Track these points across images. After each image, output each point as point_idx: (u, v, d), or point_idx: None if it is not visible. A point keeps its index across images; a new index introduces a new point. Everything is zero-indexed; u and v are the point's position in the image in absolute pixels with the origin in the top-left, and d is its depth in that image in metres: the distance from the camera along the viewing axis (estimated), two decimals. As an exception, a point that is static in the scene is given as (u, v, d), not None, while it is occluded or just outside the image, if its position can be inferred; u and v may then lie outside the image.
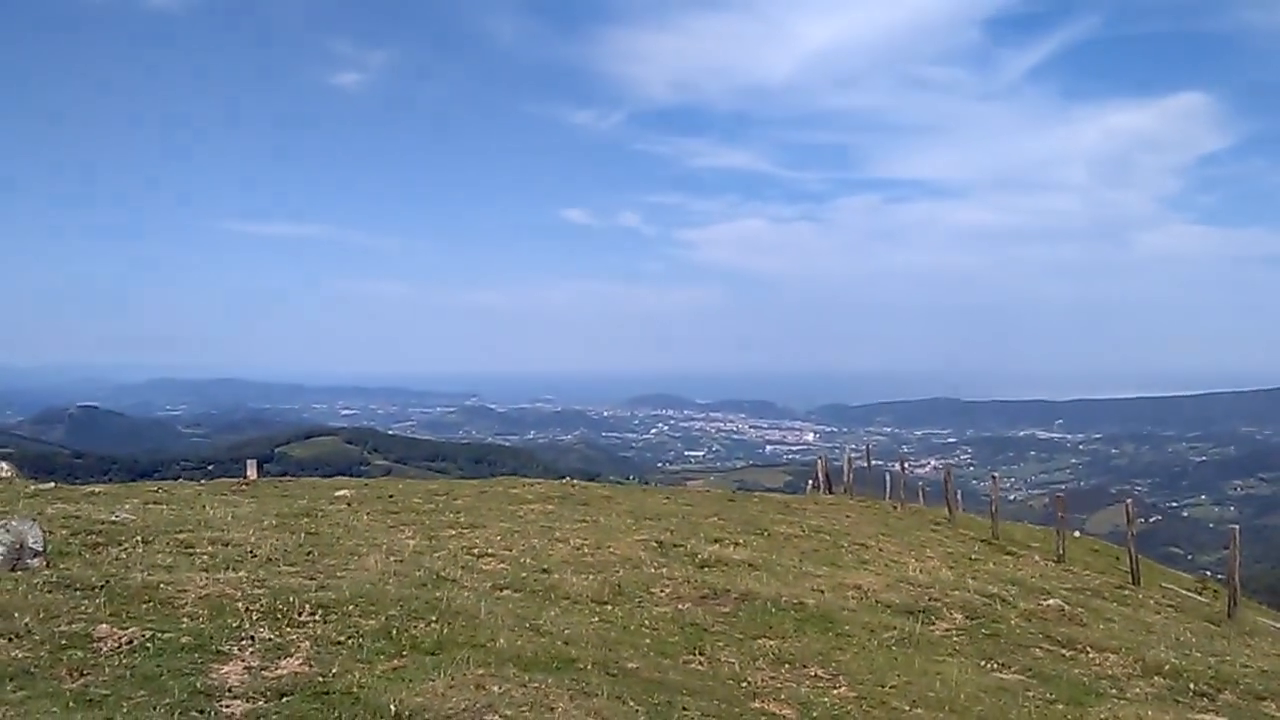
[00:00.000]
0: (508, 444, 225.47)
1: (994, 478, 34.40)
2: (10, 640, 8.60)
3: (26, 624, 8.98)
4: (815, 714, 9.46)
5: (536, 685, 8.45)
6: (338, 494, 21.33)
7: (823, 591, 14.36)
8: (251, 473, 27.02)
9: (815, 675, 10.70)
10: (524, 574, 13.68)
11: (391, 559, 13.44)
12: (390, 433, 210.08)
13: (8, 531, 11.11)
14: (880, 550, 20.06)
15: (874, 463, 36.20)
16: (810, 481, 35.23)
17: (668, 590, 13.71)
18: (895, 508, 30.52)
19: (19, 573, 10.72)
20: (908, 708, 9.94)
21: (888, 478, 34.15)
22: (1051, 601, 16.08)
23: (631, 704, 8.56)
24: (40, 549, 11.28)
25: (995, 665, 12.11)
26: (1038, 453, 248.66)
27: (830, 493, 33.02)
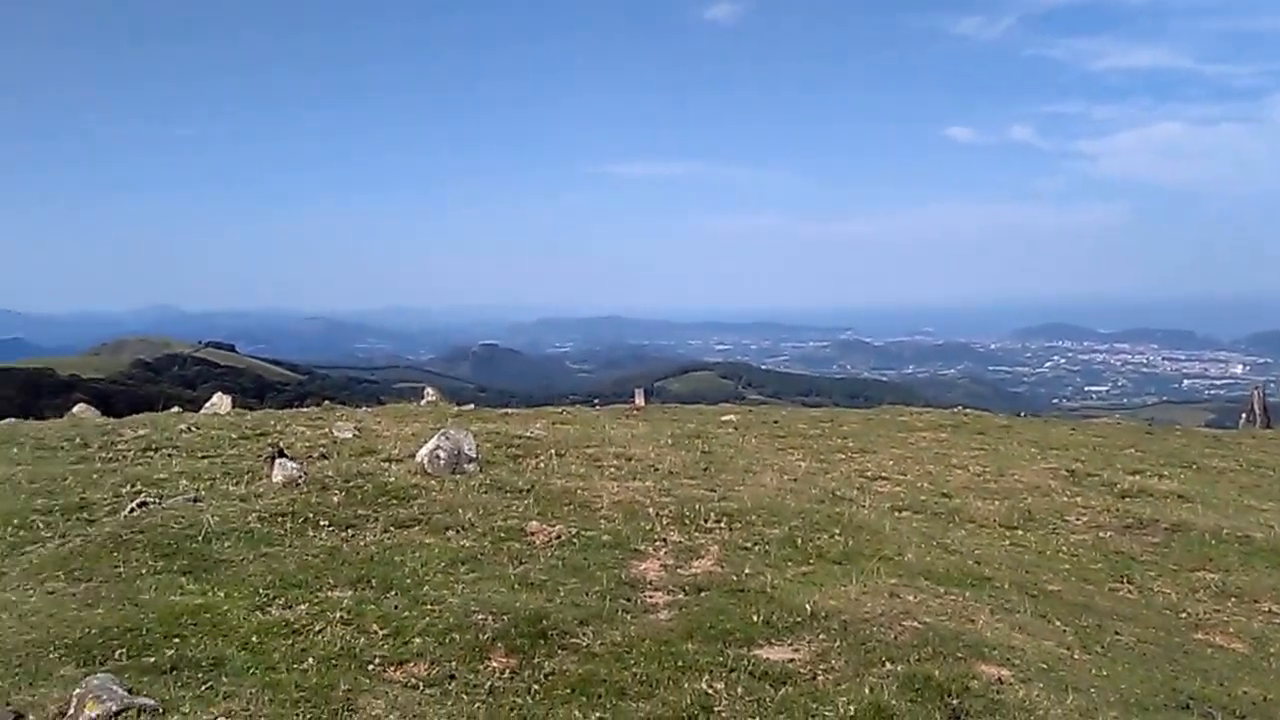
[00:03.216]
0: (885, 379, 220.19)
1: None
2: (459, 532, 9.59)
3: (470, 519, 9.97)
4: (1273, 650, 8.36)
5: (953, 598, 8.17)
6: (724, 419, 21.86)
7: (1272, 526, 12.67)
8: (639, 400, 28.44)
9: (1269, 611, 9.47)
10: (922, 497, 13.29)
11: (786, 477, 13.54)
12: (764, 367, 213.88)
13: (448, 439, 12.38)
14: (1346, 487, 17.38)
15: (1326, 397, 31.21)
16: (1243, 415, 31.12)
17: (1084, 518, 12.75)
18: (1364, 444, 26.28)
19: (458, 476, 11.92)
20: None
21: (1346, 412, 29.36)
22: None
23: (1057, 623, 8.05)
24: (474, 456, 12.47)
25: None
26: None
27: (1269, 428, 29.04)
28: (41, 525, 9.96)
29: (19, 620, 6.99)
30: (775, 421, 21.87)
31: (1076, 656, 7.36)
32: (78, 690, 5.71)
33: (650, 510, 10.45)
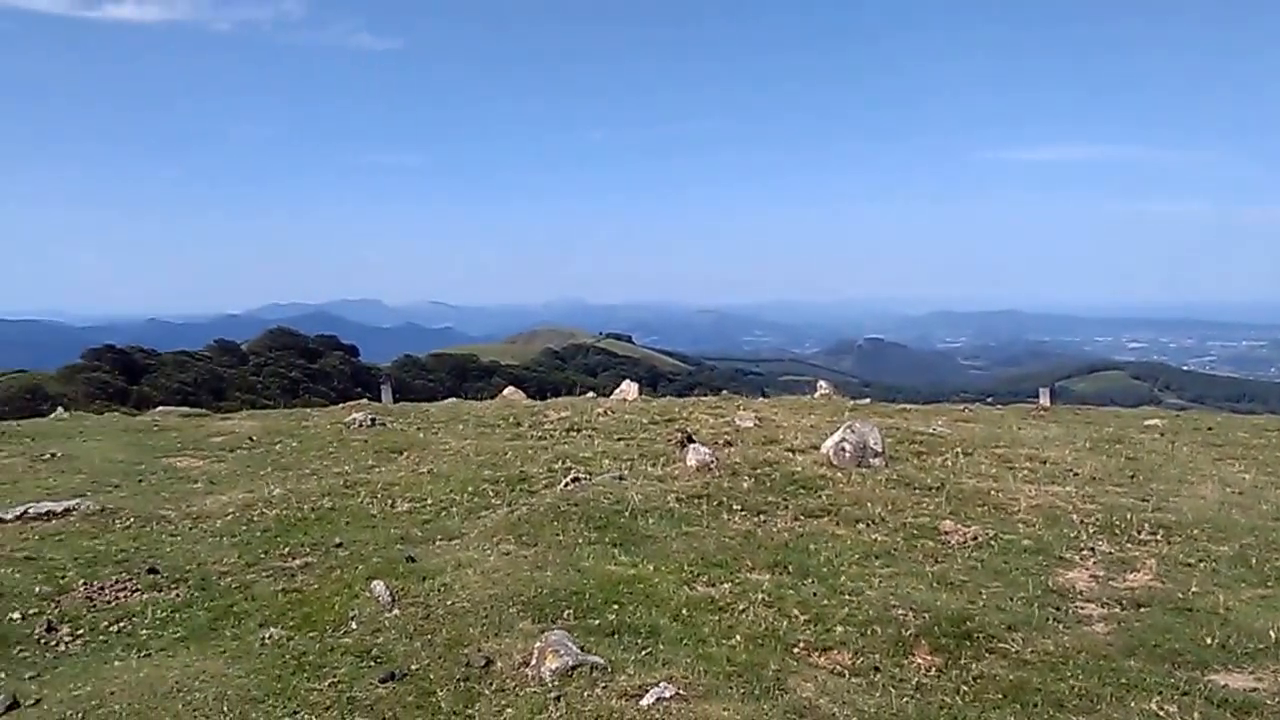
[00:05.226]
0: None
1: None
2: (869, 525, 9.57)
3: (879, 513, 9.92)
4: None
5: None
6: (1147, 423, 20.01)
7: None
8: (1045, 400, 26.82)
9: None
10: None
11: (1228, 490, 12.14)
12: (1185, 368, 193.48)
13: (853, 432, 12.37)
14: None
15: None
16: None
17: None
18: None
19: (864, 469, 11.89)
20: None
21: None
22: None
23: None
24: (880, 450, 12.37)
25: None
26: None
27: None
28: (491, 493, 11.21)
29: (483, 576, 7.88)
30: (1209, 428, 19.68)
31: None
32: (538, 643, 6.35)
33: (1074, 517, 9.84)
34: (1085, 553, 8.85)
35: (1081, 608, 7.46)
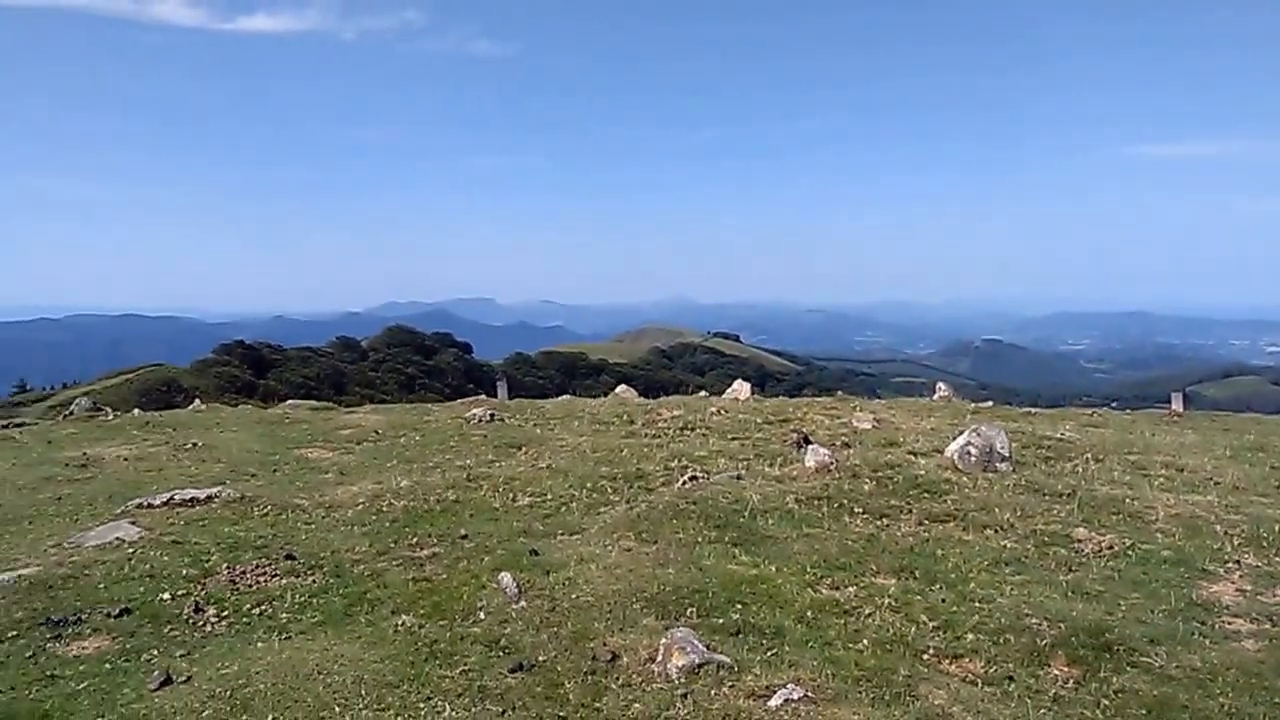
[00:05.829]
0: None
1: None
2: (997, 531, 9.33)
3: (1007, 519, 9.66)
4: None
5: None
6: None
7: None
8: (1177, 405, 25.70)
9: None
10: None
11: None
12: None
13: (979, 436, 12.07)
14: None
15: None
16: None
17: None
18: None
19: (990, 474, 11.58)
20: None
21: None
22: None
23: None
24: (1007, 455, 12.03)
25: None
26: None
27: None
28: (609, 489, 11.29)
29: (605, 572, 7.95)
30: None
31: None
32: (664, 640, 6.37)
33: (1217, 528, 9.40)
34: (1230, 565, 8.45)
35: (1228, 623, 7.12)
